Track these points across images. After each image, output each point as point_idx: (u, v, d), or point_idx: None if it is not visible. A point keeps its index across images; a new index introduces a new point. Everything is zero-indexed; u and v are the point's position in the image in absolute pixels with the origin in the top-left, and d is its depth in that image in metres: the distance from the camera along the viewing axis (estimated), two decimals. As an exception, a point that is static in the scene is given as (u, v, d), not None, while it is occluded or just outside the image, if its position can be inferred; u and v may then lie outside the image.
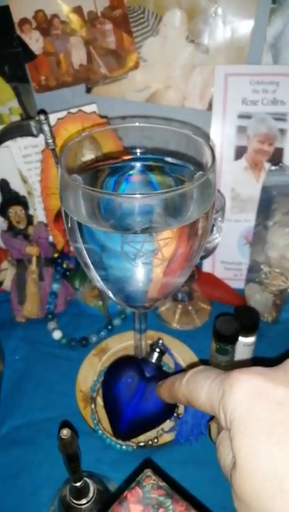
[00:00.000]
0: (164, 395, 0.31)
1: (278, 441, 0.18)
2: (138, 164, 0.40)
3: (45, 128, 0.47)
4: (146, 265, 0.34)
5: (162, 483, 0.25)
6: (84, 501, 0.37)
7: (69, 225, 0.36)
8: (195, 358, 0.54)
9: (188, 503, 0.24)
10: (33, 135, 0.48)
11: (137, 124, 0.39)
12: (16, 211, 0.57)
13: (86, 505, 0.37)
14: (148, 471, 0.26)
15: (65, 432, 0.31)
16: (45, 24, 0.60)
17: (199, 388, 0.24)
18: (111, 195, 0.33)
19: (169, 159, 0.41)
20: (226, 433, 0.23)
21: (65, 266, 0.61)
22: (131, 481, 0.25)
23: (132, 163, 0.40)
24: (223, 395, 0.21)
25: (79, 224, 0.34)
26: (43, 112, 0.48)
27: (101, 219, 0.34)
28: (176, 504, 0.24)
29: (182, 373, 0.27)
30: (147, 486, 0.25)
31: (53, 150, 0.49)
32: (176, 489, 0.25)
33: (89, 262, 0.37)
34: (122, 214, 0.33)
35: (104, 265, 0.36)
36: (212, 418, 0.29)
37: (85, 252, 0.36)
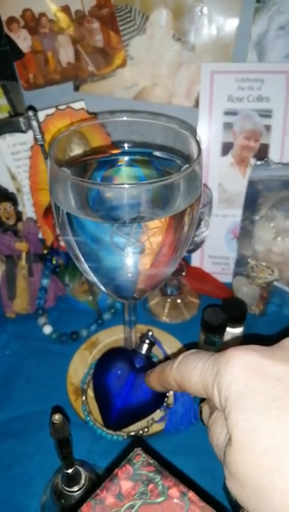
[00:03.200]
0: (153, 383, 0.30)
1: (277, 416, 0.18)
2: (126, 158, 0.40)
3: (34, 124, 0.48)
4: (135, 255, 0.35)
5: (152, 461, 0.26)
6: (76, 488, 0.38)
7: (59, 217, 0.36)
8: (184, 349, 0.55)
9: (177, 478, 0.25)
10: (22, 131, 0.49)
11: (124, 118, 0.40)
12: (5, 207, 0.57)
13: (78, 492, 0.38)
14: (138, 450, 0.26)
15: (57, 417, 0.31)
16: (33, 23, 0.61)
17: (191, 369, 0.23)
18: (99, 186, 0.34)
19: (157, 153, 0.42)
20: (219, 412, 0.22)
21: (54, 262, 0.62)
22: (121, 459, 0.26)
23: (120, 157, 0.41)
24: (218, 372, 0.21)
25: (68, 215, 0.35)
26: (31, 108, 0.48)
27: (90, 210, 0.35)
28: (166, 480, 0.25)
29: (172, 359, 0.26)
30: (137, 464, 0.26)
31: (42, 146, 0.50)
32: (165, 466, 0.26)
33: (79, 253, 0.37)
34: (110, 205, 0.34)
35: (93, 256, 0.37)
36: (203, 400, 0.29)
37: (74, 243, 0.37)
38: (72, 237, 0.36)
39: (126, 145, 0.42)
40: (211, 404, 0.25)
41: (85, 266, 0.39)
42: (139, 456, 0.26)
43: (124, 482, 0.25)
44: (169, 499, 0.24)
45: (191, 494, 0.25)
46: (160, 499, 0.24)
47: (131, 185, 0.32)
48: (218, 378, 0.21)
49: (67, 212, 0.35)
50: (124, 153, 0.42)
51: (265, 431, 0.18)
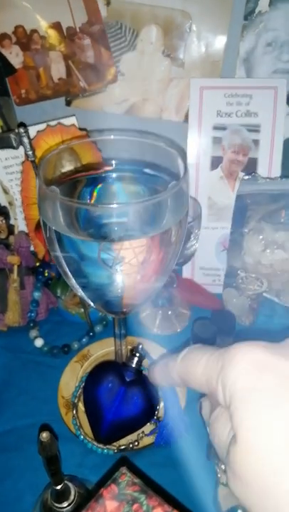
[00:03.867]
0: (157, 377, 0.28)
1: (285, 415, 0.17)
2: (113, 175, 0.41)
3: (25, 140, 0.48)
4: (123, 272, 0.36)
5: (137, 480, 0.26)
6: (65, 504, 0.38)
7: (48, 235, 0.37)
8: (175, 363, 0.56)
9: (162, 498, 0.25)
10: (13, 147, 0.49)
11: (112, 137, 0.41)
12: (-3, 221, 0.58)
13: (67, 508, 0.38)
14: (123, 469, 0.27)
15: (45, 435, 0.32)
16: (25, 39, 0.62)
17: (195, 363, 0.22)
18: (88, 206, 0.34)
19: (146, 170, 0.43)
20: (222, 409, 0.21)
21: (46, 274, 0.62)
22: (106, 478, 0.26)
23: (108, 174, 0.41)
24: (223, 367, 0.20)
25: (57, 233, 0.35)
26: (22, 124, 0.49)
27: (79, 228, 0.35)
28: (150, 499, 0.25)
29: (176, 353, 0.25)
30: (122, 483, 0.26)
31: (33, 162, 0.50)
32: (150, 485, 0.26)
33: (67, 270, 0.38)
34: (98, 223, 0.34)
35: (82, 273, 0.37)
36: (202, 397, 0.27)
37: (63, 260, 0.37)
38: (60, 253, 0.37)
39: (114, 162, 0.42)
40: (212, 400, 0.23)
41: (73, 282, 0.39)
42: (125, 476, 0.26)
43: (109, 502, 0.25)
44: (153, 518, 0.24)
45: (176, 513, 0.25)
46: (144, 518, 0.24)
47: (118, 205, 0.33)
48: (223, 374, 0.20)
49: (55, 230, 0.35)
50: (113, 171, 0.42)
51: (273, 430, 0.17)
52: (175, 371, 0.25)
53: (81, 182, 0.42)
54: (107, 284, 0.38)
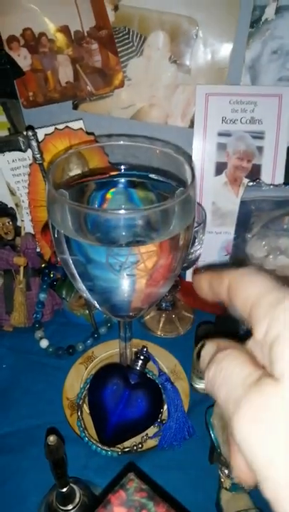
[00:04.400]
0: (202, 281, 0.24)
1: None
2: (123, 180, 0.42)
3: (33, 143, 0.49)
4: (131, 277, 0.36)
5: (144, 486, 0.27)
6: (70, 507, 0.38)
7: (56, 238, 0.37)
8: (178, 365, 0.56)
9: (169, 504, 0.26)
10: (21, 150, 0.50)
11: (121, 142, 0.41)
12: (3, 222, 0.58)
13: (72, 510, 0.39)
14: (131, 475, 0.27)
15: (52, 439, 0.32)
16: (33, 42, 0.62)
17: (253, 284, 0.20)
18: (97, 211, 0.35)
19: (152, 176, 0.43)
20: (234, 349, 0.19)
21: (52, 276, 0.63)
22: (115, 484, 0.27)
23: (118, 179, 0.42)
24: (279, 303, 0.17)
25: (66, 237, 0.36)
26: (30, 127, 0.49)
27: (87, 232, 0.36)
28: (158, 506, 0.25)
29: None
30: (130, 489, 0.26)
31: (41, 164, 0.51)
32: (158, 491, 0.27)
33: (75, 272, 0.38)
34: (107, 228, 0.35)
35: (89, 276, 0.38)
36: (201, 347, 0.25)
37: (71, 263, 0.38)
38: (68, 256, 0.37)
39: (122, 167, 0.43)
40: (221, 344, 0.21)
41: (80, 284, 0.39)
42: (133, 482, 0.27)
43: (117, 508, 0.25)
44: (160, 523, 0.24)
45: (183, 518, 0.25)
46: (152, 523, 0.24)
47: (127, 211, 0.33)
48: (278, 309, 0.17)
49: (64, 234, 0.36)
50: (121, 175, 0.43)
51: None
52: (228, 277, 0.21)
53: (90, 186, 0.43)
54: (114, 288, 0.38)
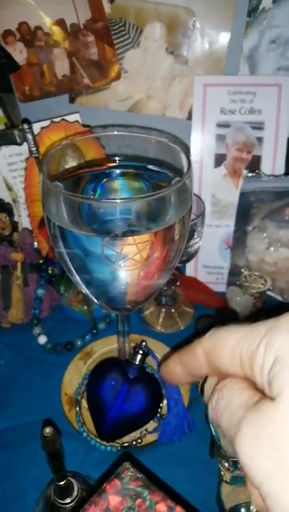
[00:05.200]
0: (172, 368, 0.24)
1: None
2: (116, 171, 0.41)
3: (29, 137, 0.48)
4: (126, 268, 0.36)
5: (140, 475, 0.26)
6: (68, 500, 0.38)
7: (51, 231, 0.37)
8: (178, 360, 0.56)
9: (165, 493, 0.25)
10: (17, 143, 0.49)
11: (116, 132, 0.41)
12: (0, 218, 0.58)
13: (70, 504, 0.38)
14: (126, 464, 0.27)
15: (48, 430, 0.32)
16: (29, 36, 0.62)
17: (230, 333, 0.20)
18: (91, 201, 0.34)
19: (149, 166, 0.42)
20: (235, 379, 0.20)
21: (50, 272, 0.62)
22: (110, 473, 0.26)
23: (111, 171, 0.41)
24: (270, 329, 0.18)
25: (61, 229, 0.35)
26: (26, 121, 0.49)
27: (82, 224, 0.35)
28: (153, 494, 0.25)
29: (191, 345, 0.23)
30: (126, 478, 0.26)
31: (37, 158, 0.50)
32: (153, 481, 0.26)
33: (71, 266, 0.38)
34: (102, 218, 0.34)
35: (85, 269, 0.37)
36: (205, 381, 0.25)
37: (67, 256, 0.37)
38: (64, 249, 0.37)
39: (117, 158, 0.42)
40: (221, 377, 0.21)
41: (77, 278, 0.39)
42: (128, 471, 0.26)
43: (112, 497, 0.25)
44: (156, 513, 0.24)
45: (179, 509, 0.25)
46: (147, 513, 0.24)
47: (122, 200, 0.33)
48: (269, 335, 0.18)
49: (59, 225, 0.35)
50: (117, 167, 0.42)
51: None
52: (201, 348, 0.22)
53: (84, 178, 0.42)
54: (110, 280, 0.38)
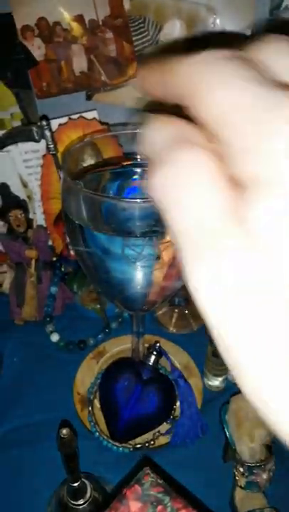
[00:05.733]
0: (148, 80, 0.15)
1: None
2: (139, 170, 0.40)
3: (47, 133, 0.48)
4: (146, 268, 0.35)
5: (161, 481, 0.26)
6: (81, 502, 0.38)
7: (70, 229, 0.36)
8: (191, 362, 0.55)
9: (186, 500, 0.25)
10: (34, 140, 0.49)
11: (137, 130, 0.40)
12: (16, 215, 0.58)
13: (83, 505, 0.38)
14: (147, 469, 0.26)
15: (65, 431, 0.31)
16: (47, 31, 0.61)
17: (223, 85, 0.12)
18: (112, 200, 0.34)
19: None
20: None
21: (63, 269, 0.62)
22: (130, 478, 0.26)
23: (134, 169, 0.41)
24: None
25: (80, 228, 0.35)
26: (45, 117, 0.48)
27: (102, 222, 0.35)
28: (175, 501, 0.24)
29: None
30: (146, 484, 0.25)
31: (54, 155, 0.50)
32: (174, 487, 0.25)
33: (89, 264, 0.37)
34: (123, 218, 0.34)
35: (104, 268, 0.37)
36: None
37: (85, 255, 0.37)
38: (83, 247, 0.36)
39: (138, 156, 0.42)
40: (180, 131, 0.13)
41: (94, 277, 0.39)
42: (148, 476, 0.26)
43: (132, 503, 0.24)
44: (178, 521, 0.23)
45: (201, 516, 0.24)
46: (169, 521, 0.23)
47: (143, 200, 0.32)
48: None
49: (78, 224, 0.35)
50: (137, 165, 0.42)
51: None
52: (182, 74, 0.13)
53: (105, 176, 0.42)
54: (128, 280, 0.37)
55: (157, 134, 0.13)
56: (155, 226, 0.34)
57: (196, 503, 0.24)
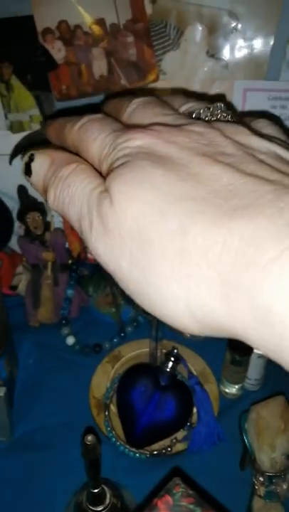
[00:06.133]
0: (51, 134, 0.23)
1: (163, 175, 0.15)
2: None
3: (69, 137, 0.48)
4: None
5: (191, 492, 0.25)
6: (100, 508, 0.37)
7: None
8: (207, 368, 0.55)
9: (217, 511, 0.25)
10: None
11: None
12: (33, 217, 0.58)
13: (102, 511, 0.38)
14: (177, 479, 0.26)
15: (90, 438, 0.31)
16: (68, 34, 0.61)
17: (91, 139, 0.19)
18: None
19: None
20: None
21: (79, 272, 0.62)
22: (160, 488, 0.26)
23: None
24: (115, 147, 0.17)
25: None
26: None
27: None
28: (206, 513, 0.24)
29: (74, 118, 0.20)
30: (177, 494, 0.25)
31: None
32: (205, 497, 0.25)
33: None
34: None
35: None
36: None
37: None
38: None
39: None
40: (56, 157, 0.19)
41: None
42: (179, 487, 0.26)
43: (164, 513, 0.24)
44: (210, 533, 0.23)
45: (233, 529, 0.24)
46: (201, 533, 0.23)
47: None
48: (115, 149, 0.17)
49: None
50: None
51: (149, 183, 0.15)
52: (70, 139, 0.20)
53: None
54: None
55: (43, 165, 0.19)
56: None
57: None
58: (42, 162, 0.19)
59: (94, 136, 0.18)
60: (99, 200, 0.16)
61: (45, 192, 0.19)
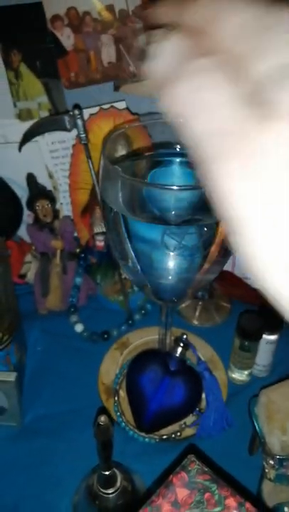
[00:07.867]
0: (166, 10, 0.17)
1: None
2: (176, 159, 0.40)
3: (79, 122, 0.48)
4: (184, 257, 0.35)
5: (206, 469, 0.25)
6: (111, 490, 0.38)
7: (108, 216, 0.36)
8: (215, 355, 0.55)
9: (233, 488, 0.25)
10: (66, 129, 0.49)
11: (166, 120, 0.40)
12: (43, 205, 0.58)
13: (113, 494, 0.38)
14: (192, 457, 0.26)
15: (103, 419, 0.31)
16: (77, 21, 0.61)
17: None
18: (154, 187, 0.33)
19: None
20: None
21: (87, 260, 0.62)
22: (175, 465, 0.26)
23: (171, 158, 0.41)
24: None
25: (117, 214, 0.35)
26: (77, 106, 0.48)
27: (141, 210, 0.35)
28: (222, 489, 0.24)
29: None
30: (192, 471, 0.25)
31: (85, 145, 0.50)
32: (220, 475, 0.25)
33: (127, 253, 0.37)
34: (163, 205, 0.34)
35: (140, 256, 0.37)
36: None
37: (122, 242, 0.37)
38: (120, 236, 0.36)
39: (178, 146, 0.41)
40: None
41: (128, 264, 0.38)
42: (194, 464, 0.26)
43: (179, 489, 0.24)
44: (226, 509, 0.23)
45: (248, 505, 0.24)
46: (217, 509, 0.23)
47: (184, 188, 0.32)
48: None
49: (117, 212, 0.35)
50: (174, 154, 0.41)
51: None
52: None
53: (142, 164, 0.42)
54: (164, 269, 0.37)
55: (169, 50, 0.14)
56: (196, 215, 0.34)
57: (242, 491, 0.24)
58: (177, 43, 0.14)
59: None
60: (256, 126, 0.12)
61: (164, 86, 0.14)
